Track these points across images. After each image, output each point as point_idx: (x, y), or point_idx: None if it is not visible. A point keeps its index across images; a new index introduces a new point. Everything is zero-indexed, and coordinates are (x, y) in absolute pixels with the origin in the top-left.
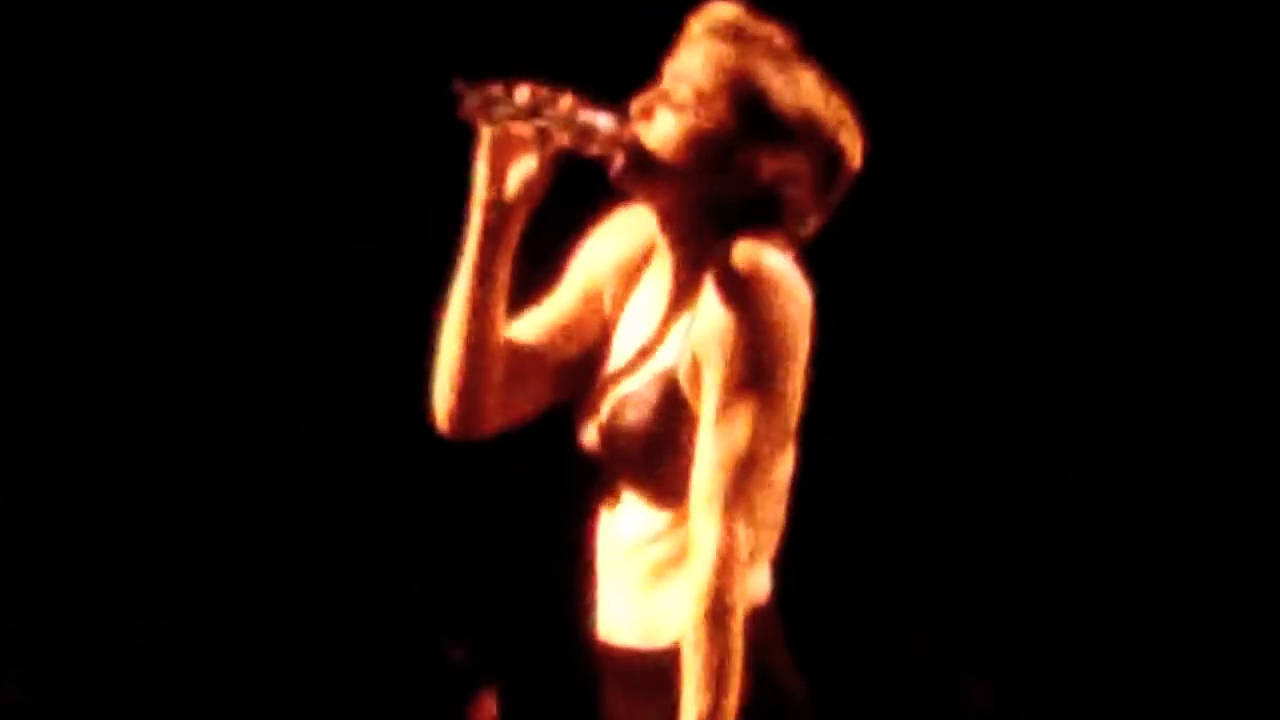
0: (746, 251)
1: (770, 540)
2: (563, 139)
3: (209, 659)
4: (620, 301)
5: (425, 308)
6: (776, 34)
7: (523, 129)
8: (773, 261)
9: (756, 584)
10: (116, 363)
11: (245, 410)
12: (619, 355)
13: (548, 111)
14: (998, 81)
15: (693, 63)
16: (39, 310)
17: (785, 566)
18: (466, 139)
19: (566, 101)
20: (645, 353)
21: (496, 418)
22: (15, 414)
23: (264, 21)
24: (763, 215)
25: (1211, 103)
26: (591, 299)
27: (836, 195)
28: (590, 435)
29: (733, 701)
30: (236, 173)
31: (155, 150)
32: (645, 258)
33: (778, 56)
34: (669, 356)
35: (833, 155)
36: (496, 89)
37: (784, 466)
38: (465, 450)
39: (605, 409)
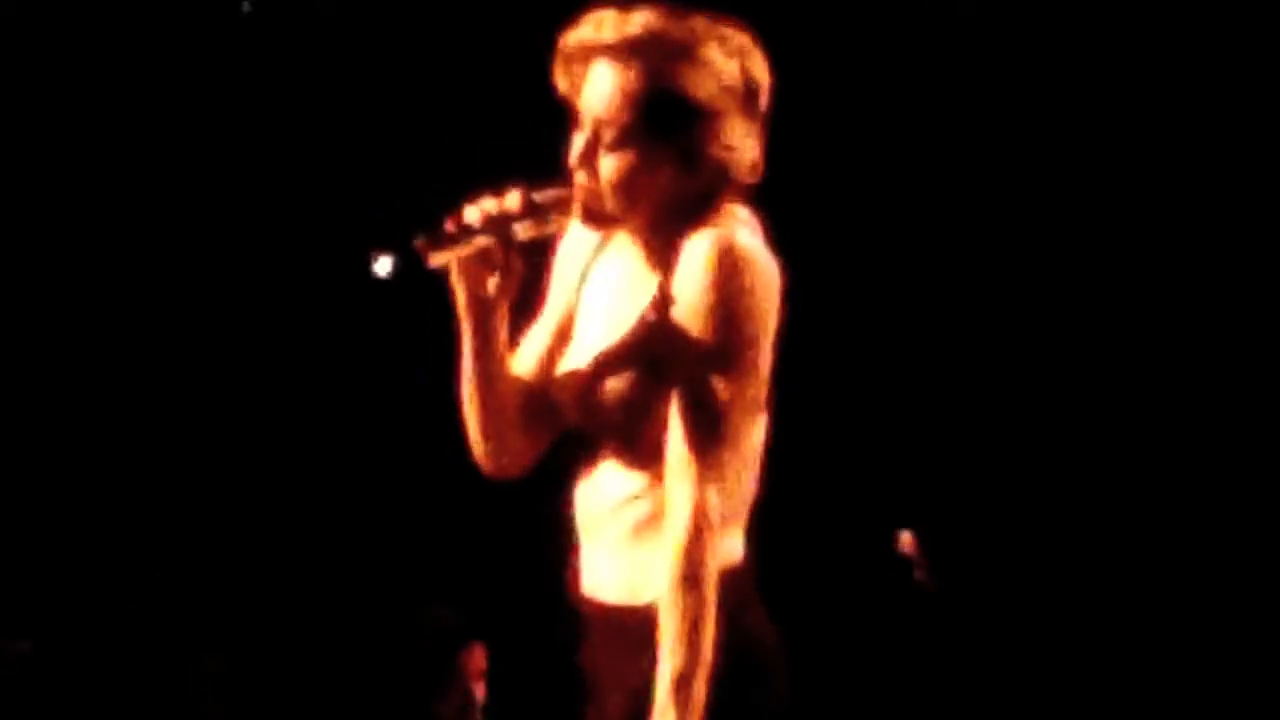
0: (716, 232)
1: (743, 505)
2: (525, 233)
3: (199, 615)
4: (583, 279)
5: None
6: (655, 20)
7: (487, 245)
8: (742, 240)
9: (730, 547)
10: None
11: (233, 381)
12: (592, 328)
13: (501, 217)
14: (997, 81)
15: (604, 98)
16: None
17: (759, 530)
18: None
19: (514, 198)
20: (616, 325)
21: (530, 450)
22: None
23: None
24: (718, 185)
25: (1211, 103)
26: (572, 310)
27: (763, 115)
28: (570, 405)
29: (707, 658)
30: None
31: (159, 153)
32: (606, 235)
33: (676, 51)
34: (642, 330)
35: (752, 92)
36: (450, 226)
37: (755, 435)
38: (452, 420)
39: (583, 380)
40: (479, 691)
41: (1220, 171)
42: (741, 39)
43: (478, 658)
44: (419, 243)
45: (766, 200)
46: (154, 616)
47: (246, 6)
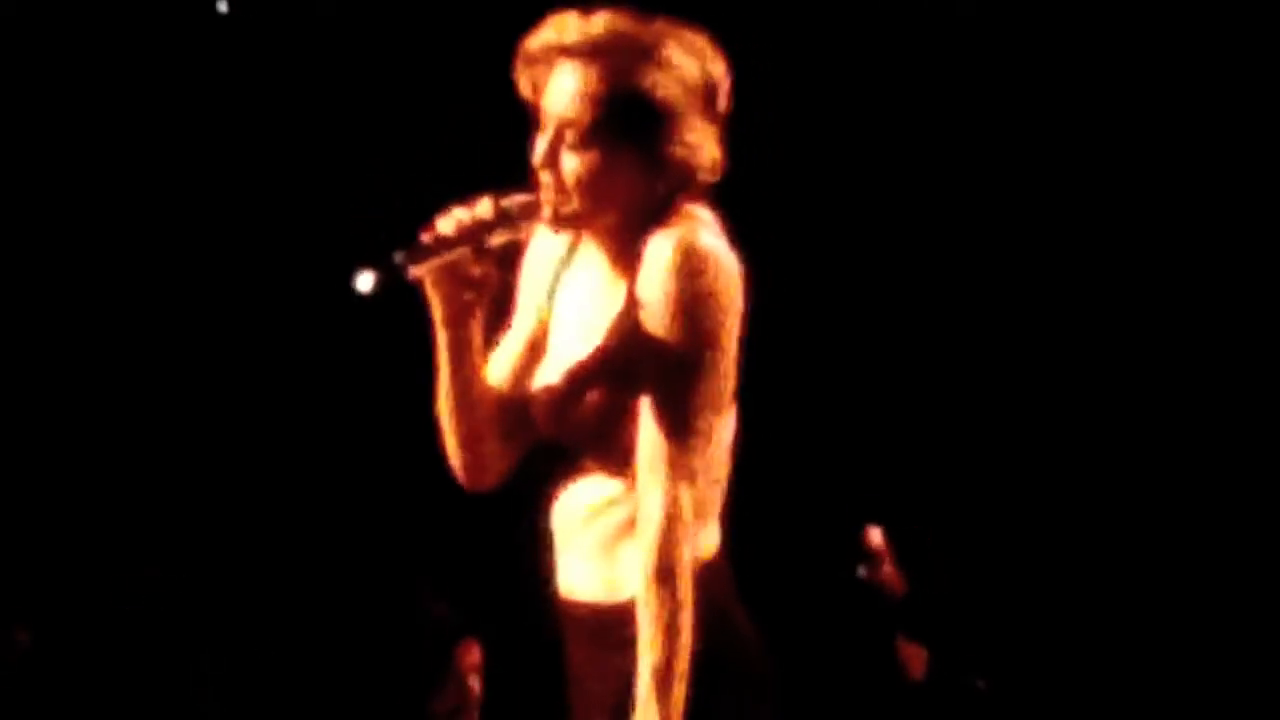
0: (678, 233)
1: (716, 498)
2: (497, 240)
3: (196, 604)
4: (554, 289)
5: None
6: (617, 22)
7: (464, 258)
8: (705, 240)
9: (706, 540)
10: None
11: (232, 382)
12: (561, 338)
13: (474, 227)
14: (994, 81)
15: (566, 99)
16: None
17: (734, 522)
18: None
19: (485, 206)
20: (587, 335)
21: (504, 461)
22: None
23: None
24: (680, 185)
25: (1211, 103)
26: (543, 320)
27: (723, 115)
28: (544, 417)
29: (684, 652)
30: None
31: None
32: (572, 246)
33: (638, 51)
34: (612, 337)
35: (711, 92)
36: (425, 238)
37: (725, 429)
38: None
39: (556, 392)
40: (475, 687)
41: (1220, 172)
42: (701, 40)
43: (473, 653)
44: (398, 257)
45: (737, 198)
46: (152, 616)
47: (223, 7)
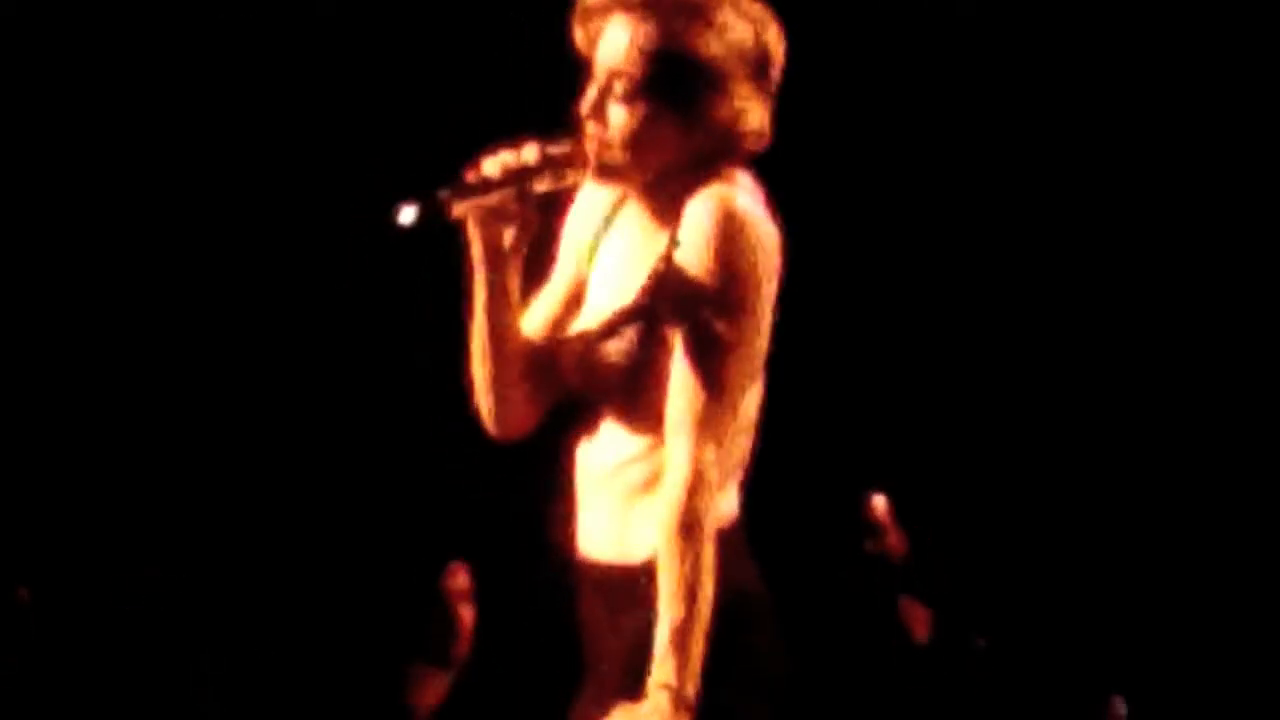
0: (718, 195)
1: (738, 465)
2: (541, 187)
3: (196, 604)
4: (595, 246)
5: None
6: None
7: (506, 200)
8: (743, 203)
9: (724, 507)
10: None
11: (230, 351)
12: (597, 293)
13: (519, 170)
14: (997, 77)
15: (618, 51)
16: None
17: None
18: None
19: (531, 151)
20: (623, 290)
21: (534, 412)
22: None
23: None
24: (723, 149)
25: (1212, 103)
26: (582, 276)
27: (773, 86)
28: (573, 368)
29: (705, 610)
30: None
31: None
32: (615, 205)
33: (693, 11)
34: (646, 293)
35: (763, 61)
36: (470, 177)
37: (752, 397)
38: (456, 386)
39: (587, 344)
40: (466, 614)
41: (1220, 172)
42: (759, 9)
43: (459, 578)
44: (443, 194)
45: (772, 169)
46: (152, 616)
47: None
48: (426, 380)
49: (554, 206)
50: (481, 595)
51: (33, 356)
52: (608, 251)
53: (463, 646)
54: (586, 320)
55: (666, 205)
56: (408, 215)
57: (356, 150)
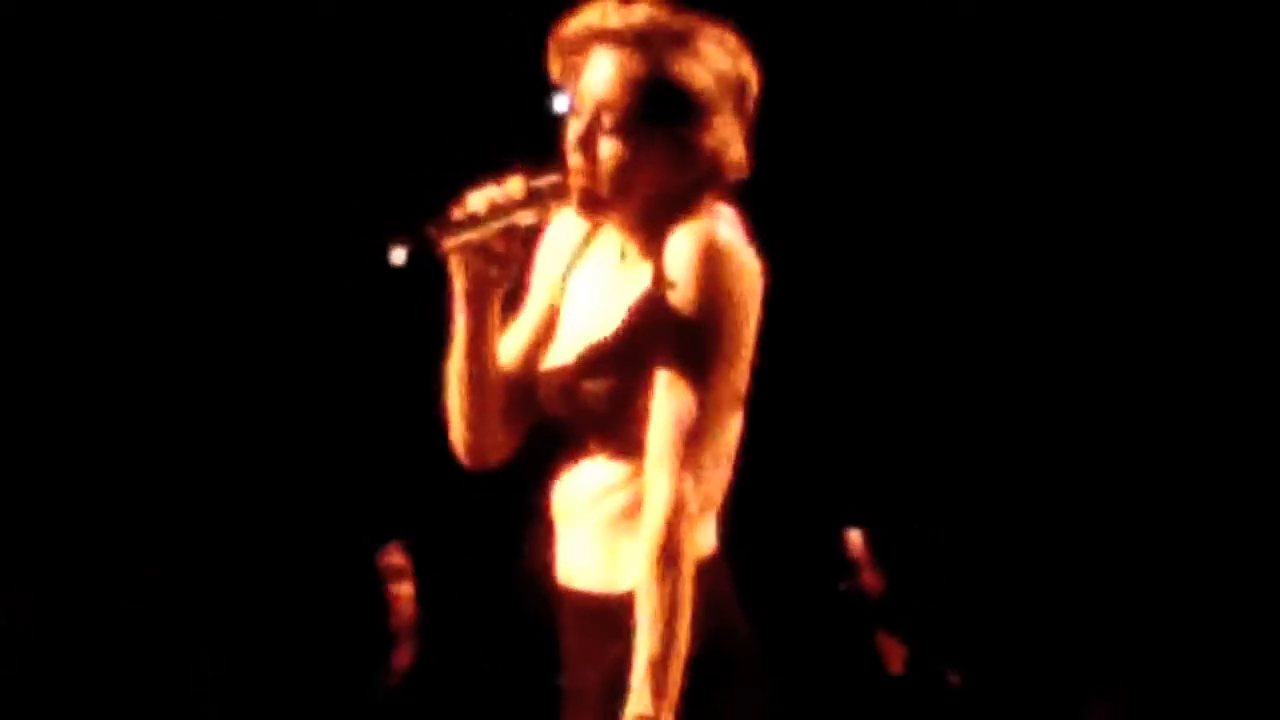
0: (700, 227)
1: (717, 497)
2: (527, 220)
3: (196, 604)
4: (566, 277)
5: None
6: (658, 12)
7: (493, 235)
8: (725, 235)
9: (703, 537)
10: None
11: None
12: (573, 325)
13: (505, 205)
14: (995, 81)
15: (606, 83)
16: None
17: (732, 522)
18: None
19: (516, 185)
20: (603, 322)
21: (508, 442)
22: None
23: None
24: (705, 181)
25: (1211, 103)
26: (555, 307)
27: (750, 116)
28: (554, 399)
29: (683, 640)
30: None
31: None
32: (587, 236)
33: (674, 39)
34: (629, 321)
35: (742, 91)
36: (457, 213)
37: (732, 429)
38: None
39: (568, 375)
40: (405, 590)
41: (1219, 172)
42: (733, 39)
43: (393, 555)
44: (431, 229)
45: (752, 201)
46: (152, 616)
47: None
48: (425, 393)
49: (532, 241)
50: (464, 611)
51: (33, 358)
52: (580, 283)
53: (403, 618)
54: (563, 351)
55: (646, 237)
56: (398, 256)
57: (344, 170)
